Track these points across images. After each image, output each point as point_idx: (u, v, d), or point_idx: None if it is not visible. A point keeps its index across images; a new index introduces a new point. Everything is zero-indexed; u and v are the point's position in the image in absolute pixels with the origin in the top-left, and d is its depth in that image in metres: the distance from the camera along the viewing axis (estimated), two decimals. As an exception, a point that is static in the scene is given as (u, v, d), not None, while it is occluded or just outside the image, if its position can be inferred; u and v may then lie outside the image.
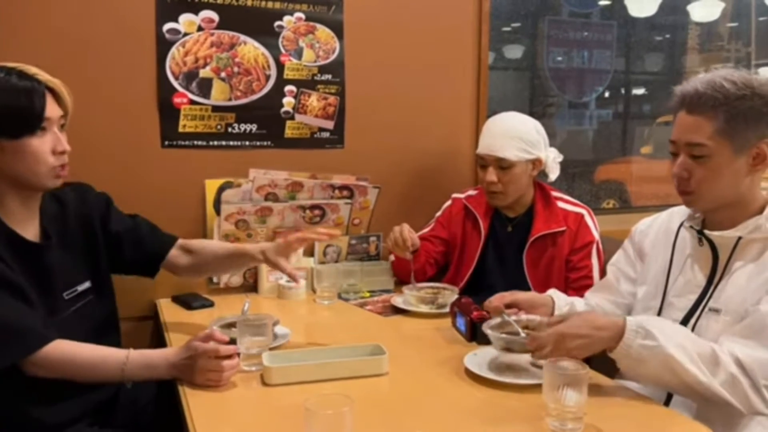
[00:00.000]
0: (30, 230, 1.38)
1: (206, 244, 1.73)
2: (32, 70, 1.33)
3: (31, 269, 1.33)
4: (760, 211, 1.31)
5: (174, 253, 1.65)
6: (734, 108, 1.24)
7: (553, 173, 2.05)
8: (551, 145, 2.06)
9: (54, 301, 1.38)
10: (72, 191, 1.51)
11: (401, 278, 2.08)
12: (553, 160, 2.03)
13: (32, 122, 1.30)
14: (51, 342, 1.28)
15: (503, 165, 1.93)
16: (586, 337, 1.22)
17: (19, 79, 1.30)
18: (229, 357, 1.29)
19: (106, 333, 1.50)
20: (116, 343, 1.45)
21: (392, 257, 2.13)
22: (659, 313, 1.43)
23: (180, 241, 1.68)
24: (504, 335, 1.36)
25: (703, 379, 1.17)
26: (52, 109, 1.33)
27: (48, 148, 1.33)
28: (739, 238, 1.31)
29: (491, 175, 1.95)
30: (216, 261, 1.68)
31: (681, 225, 1.45)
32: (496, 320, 1.44)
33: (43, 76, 1.33)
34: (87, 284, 1.47)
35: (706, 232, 1.35)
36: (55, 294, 1.38)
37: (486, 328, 1.39)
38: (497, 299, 1.52)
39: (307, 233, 1.62)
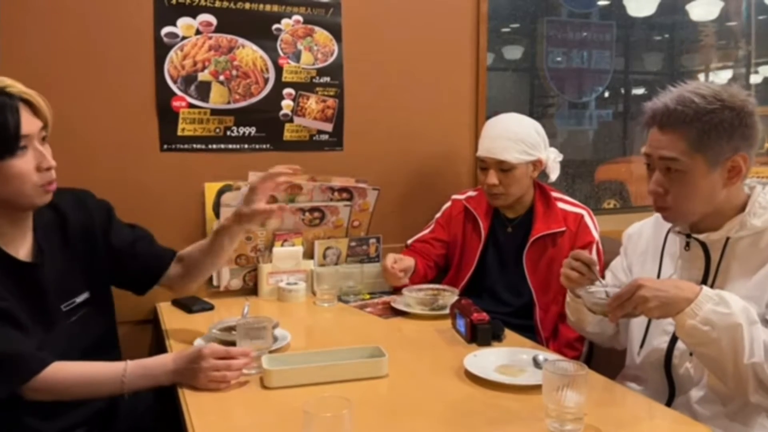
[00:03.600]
0: (22, 249, 1.33)
1: (193, 246, 1.65)
2: (4, 82, 1.24)
3: (22, 290, 1.29)
4: (743, 209, 1.31)
5: (171, 268, 1.61)
6: (706, 122, 1.24)
7: (554, 173, 2.05)
8: (551, 145, 2.06)
9: (50, 316, 1.35)
10: (71, 197, 1.46)
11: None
12: (553, 160, 2.03)
13: (9, 143, 1.21)
14: (48, 366, 1.25)
15: (504, 167, 1.93)
16: (663, 290, 1.19)
17: None
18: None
19: (106, 350, 1.47)
20: (116, 359, 1.41)
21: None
22: (651, 318, 1.43)
23: (177, 254, 1.63)
24: (590, 294, 1.34)
25: (756, 360, 1.15)
26: (29, 125, 1.24)
27: (32, 167, 1.26)
28: (728, 238, 1.31)
29: (492, 177, 1.94)
30: (203, 254, 1.60)
31: (669, 230, 1.44)
32: (588, 288, 1.39)
33: (14, 88, 1.24)
34: (85, 295, 1.44)
35: (694, 235, 1.35)
36: (50, 309, 1.35)
37: (580, 291, 1.38)
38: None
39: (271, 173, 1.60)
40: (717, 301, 1.17)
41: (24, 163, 1.24)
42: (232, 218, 1.58)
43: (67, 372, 1.28)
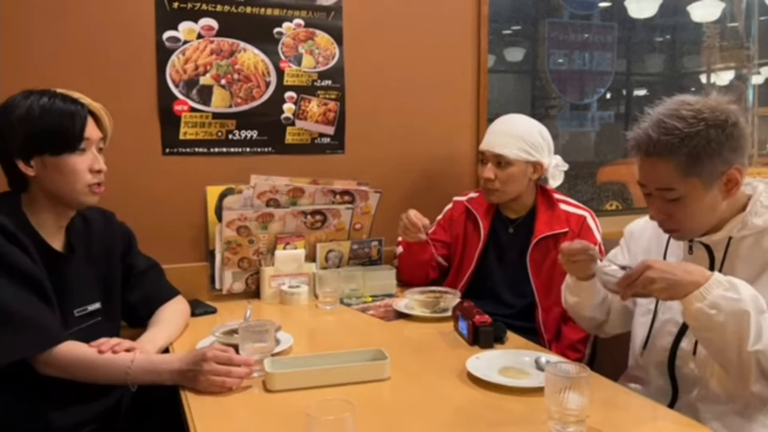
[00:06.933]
0: (57, 242, 1.45)
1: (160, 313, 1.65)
2: (75, 94, 1.43)
3: (54, 277, 1.39)
4: (744, 208, 1.31)
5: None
6: (693, 147, 1.22)
7: (554, 180, 2.03)
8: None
9: (65, 315, 1.42)
10: (98, 213, 1.59)
11: (408, 274, 2.10)
12: (555, 167, 2.02)
13: (73, 141, 1.39)
14: (65, 342, 1.34)
15: (501, 162, 1.94)
16: (671, 272, 1.19)
17: (63, 102, 1.39)
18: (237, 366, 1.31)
19: None
20: None
21: (399, 249, 2.11)
22: (654, 316, 1.43)
23: (179, 297, 1.73)
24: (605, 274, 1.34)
25: (761, 348, 1.15)
26: (91, 131, 1.43)
27: (86, 166, 1.42)
28: (730, 237, 1.31)
29: (489, 171, 1.95)
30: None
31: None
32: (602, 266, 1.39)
33: (85, 100, 1.44)
34: (97, 305, 1.51)
35: (696, 238, 1.35)
36: (68, 308, 1.43)
37: (596, 266, 1.39)
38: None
39: None
40: (727, 287, 1.17)
41: (81, 162, 1.41)
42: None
43: (80, 352, 1.35)
